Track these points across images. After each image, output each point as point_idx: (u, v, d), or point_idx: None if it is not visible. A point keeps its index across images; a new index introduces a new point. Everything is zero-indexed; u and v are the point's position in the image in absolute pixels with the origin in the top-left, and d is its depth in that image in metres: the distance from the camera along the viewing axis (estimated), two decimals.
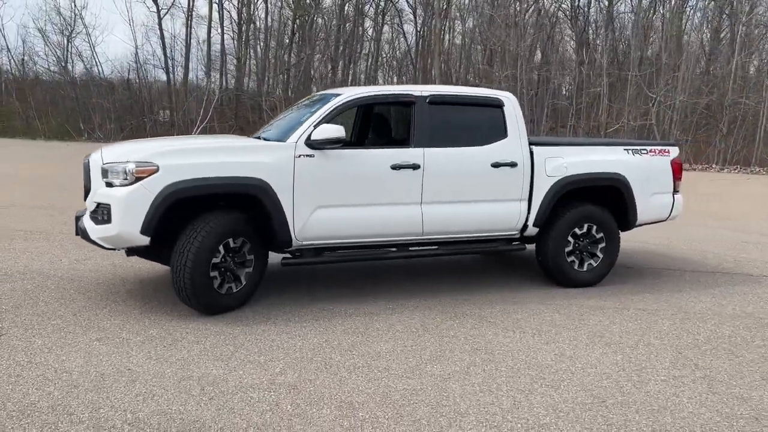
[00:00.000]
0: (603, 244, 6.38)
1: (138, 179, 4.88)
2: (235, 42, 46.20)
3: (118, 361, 4.17)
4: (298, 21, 43.77)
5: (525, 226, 6.15)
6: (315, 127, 5.34)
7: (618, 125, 28.36)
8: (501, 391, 3.87)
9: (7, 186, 13.06)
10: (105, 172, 5.03)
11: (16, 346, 4.37)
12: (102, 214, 5.00)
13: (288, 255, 5.58)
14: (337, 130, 5.24)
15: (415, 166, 5.60)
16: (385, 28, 44.77)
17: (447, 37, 40.22)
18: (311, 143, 5.30)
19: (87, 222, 5.17)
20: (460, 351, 4.53)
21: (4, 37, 40.79)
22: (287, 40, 43.82)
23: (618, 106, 29.35)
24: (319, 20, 43.49)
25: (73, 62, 38.61)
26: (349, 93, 5.68)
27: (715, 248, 8.72)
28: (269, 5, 44.31)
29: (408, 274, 6.76)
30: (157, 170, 4.90)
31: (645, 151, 6.52)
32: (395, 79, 45.27)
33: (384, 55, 45.73)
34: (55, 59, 37.82)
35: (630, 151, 6.46)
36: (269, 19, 44.64)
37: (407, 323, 5.11)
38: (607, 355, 4.52)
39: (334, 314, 5.28)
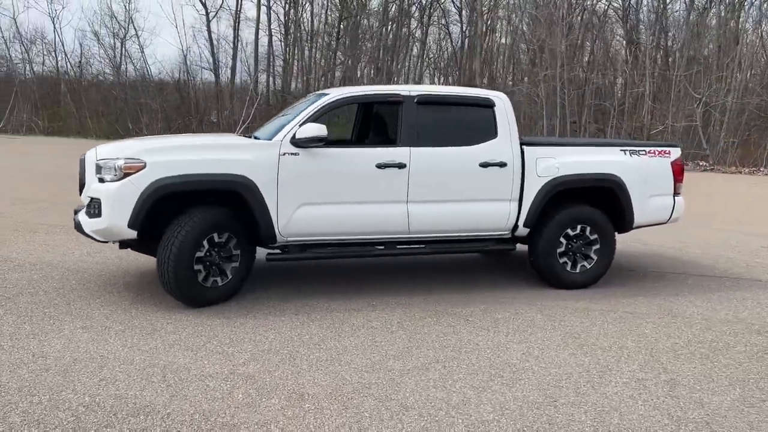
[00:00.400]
0: (597, 246, 6.30)
1: (126, 175, 5.09)
2: (282, 43, 47.00)
3: (93, 347, 4.37)
4: (344, 22, 44.21)
5: (516, 227, 6.13)
6: (300, 126, 5.46)
7: (662, 127, 27.65)
8: (454, 387, 3.91)
9: (45, 183, 13.66)
10: (98, 168, 5.26)
11: (5, 331, 4.63)
12: (94, 208, 5.24)
13: (276, 251, 5.72)
14: (318, 129, 5.35)
15: (401, 165, 5.66)
16: (432, 29, 44.78)
17: (491, 37, 39.98)
18: (296, 142, 5.42)
19: (82, 216, 5.42)
20: (427, 348, 4.58)
21: (62, 41, 42.18)
22: (333, 42, 44.30)
23: (663, 107, 28.60)
24: (365, 21, 43.85)
25: (126, 64, 39.98)
26: (335, 93, 5.79)
27: (730, 252, 8.48)
28: (316, 7, 44.77)
29: (401, 272, 6.82)
30: (144, 167, 5.10)
31: (643, 152, 6.42)
32: (441, 80, 45.22)
33: (431, 56, 45.69)
34: (108, 61, 39.25)
35: (627, 152, 6.37)
36: (315, 21, 45.19)
37: (385, 320, 5.18)
38: (576, 356, 4.49)
39: (315, 309, 5.39)
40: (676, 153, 6.57)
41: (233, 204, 5.39)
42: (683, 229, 9.67)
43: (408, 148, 5.72)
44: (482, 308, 5.58)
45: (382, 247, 5.92)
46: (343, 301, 5.64)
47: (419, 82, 44.27)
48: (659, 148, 6.51)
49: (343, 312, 5.35)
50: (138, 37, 42.63)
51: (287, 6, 45.45)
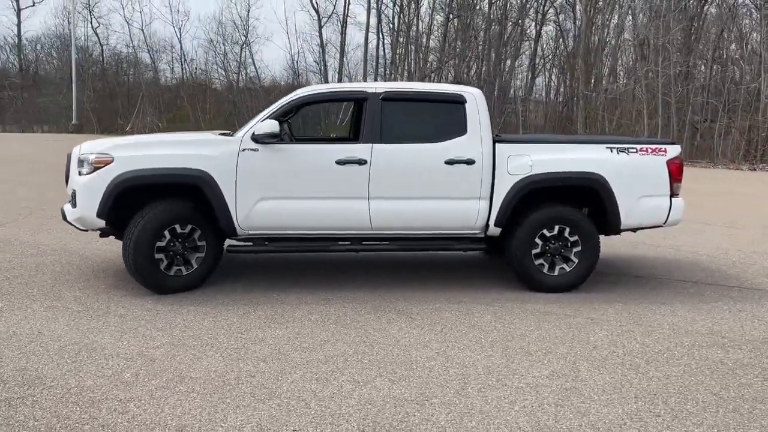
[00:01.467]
0: (578, 248, 5.99)
1: (96, 169, 5.52)
2: (391, 46, 47.77)
3: (40, 325, 4.79)
4: (455, 22, 44.13)
5: (487, 226, 5.97)
6: (261, 122, 5.65)
7: None
8: (337, 381, 3.92)
9: None
10: (80, 162, 5.73)
11: None
12: (73, 199, 5.71)
13: (242, 244, 5.95)
14: (271, 126, 5.51)
15: (362, 162, 5.69)
16: (546, 28, 43.66)
17: (602, 34, 38.31)
18: (255, 138, 5.61)
19: (66, 206, 5.92)
20: (343, 342, 4.60)
21: (182, 48, 45.41)
22: (445, 44, 44.37)
23: None
24: (478, 20, 43.49)
25: (241, 70, 42.40)
26: (300, 91, 5.93)
27: (755, 259, 7.71)
28: (425, 9, 44.93)
29: (383, 269, 6.82)
30: (111, 161, 5.51)
31: (633, 150, 6.01)
32: (560, 78, 43.90)
33: (546, 55, 44.54)
34: (221, 66, 41.79)
35: (615, 150, 6.00)
36: (424, 24, 45.46)
37: (327, 314, 5.25)
38: (491, 359, 4.34)
39: (269, 301, 5.55)
40: (673, 151, 6.10)
41: (197, 197, 5.67)
42: (718, 234, 8.90)
43: (370, 144, 5.74)
44: (436, 307, 5.50)
45: (348, 243, 5.98)
46: (302, 294, 5.76)
47: (529, 80, 43.35)
48: (653, 146, 6.07)
49: (292, 305, 5.47)
50: (249, 45, 44.93)
51: (397, 8, 46.08)
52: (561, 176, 5.88)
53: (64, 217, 5.94)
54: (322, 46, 46.77)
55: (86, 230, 5.88)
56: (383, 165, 5.72)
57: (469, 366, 4.20)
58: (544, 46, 44.61)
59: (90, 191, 5.50)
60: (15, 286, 5.84)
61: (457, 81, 41.14)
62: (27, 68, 57.62)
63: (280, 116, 5.75)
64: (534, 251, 5.97)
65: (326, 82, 44.15)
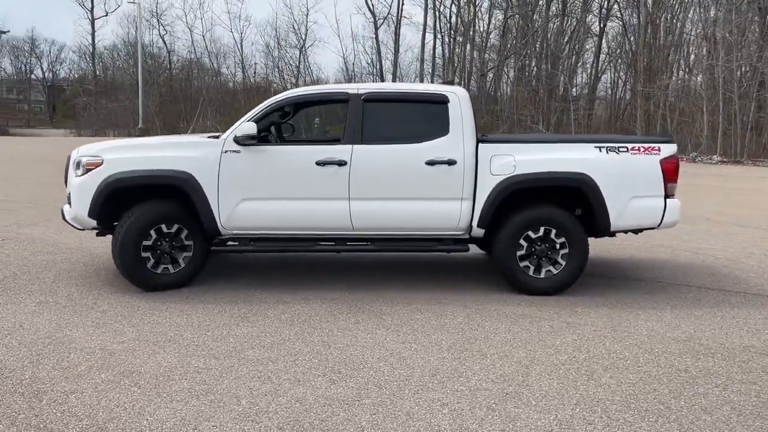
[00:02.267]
0: (565, 251, 5.84)
1: (87, 170, 5.78)
2: (449, 46, 47.60)
3: (23, 319, 5.05)
4: (516, 18, 43.56)
5: (470, 227, 5.90)
6: (241, 125, 5.78)
7: None
8: (278, 379, 3.97)
9: None
10: (76, 164, 6.01)
11: None
12: (69, 199, 5.99)
13: (230, 244, 6.09)
14: (249, 128, 5.62)
15: (341, 163, 5.73)
16: (610, 23, 42.51)
17: (667, 29, 36.99)
18: (237, 140, 5.74)
19: (65, 206, 6.21)
20: (302, 341, 4.65)
21: (242, 53, 46.66)
22: (504, 42, 43.88)
23: None
24: (538, 17, 42.79)
25: (299, 74, 43.18)
26: (283, 94, 6.02)
27: None
28: (484, 7, 44.53)
29: (376, 269, 6.83)
30: (101, 163, 5.75)
31: (624, 149, 5.81)
32: (621, 76, 42.74)
33: (612, 52, 43.35)
34: (279, 70, 42.69)
35: (604, 149, 5.81)
36: (483, 22, 45.07)
37: (299, 313, 5.31)
38: (443, 360, 4.30)
39: (249, 299, 5.67)
40: (668, 149, 5.86)
41: (184, 198, 5.84)
42: (760, 237, 8.45)
43: (350, 145, 5.78)
44: (412, 308, 5.48)
45: (333, 243, 6.03)
46: (283, 294, 5.85)
47: (593, 78, 42.31)
48: (646, 145, 5.85)
49: (270, 303, 5.57)
50: (305, 49, 45.67)
51: (455, 7, 45.85)
52: (545, 177, 5.74)
53: (64, 217, 6.23)
54: (378, 47, 47.11)
55: (83, 229, 6.15)
56: (363, 166, 5.74)
57: (417, 368, 4.18)
58: (610, 42, 43.44)
59: (82, 192, 5.76)
60: (19, 282, 6.17)
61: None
62: (101, 75, 60.52)
63: (261, 118, 5.85)
64: (519, 253, 5.86)
65: (382, 80, 44.35)
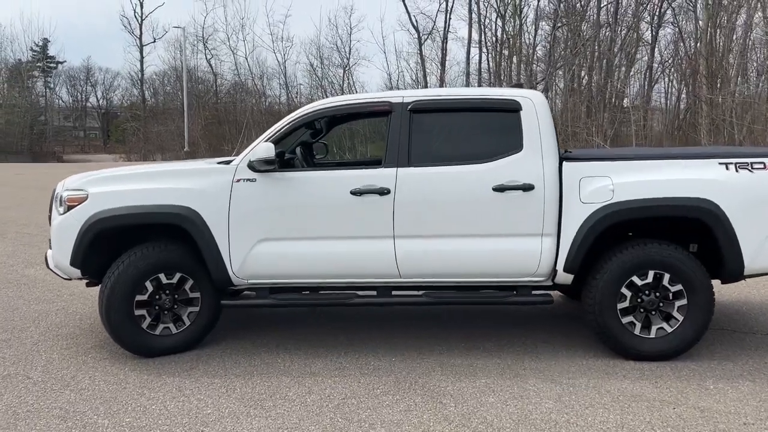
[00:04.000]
0: (682, 301, 4.39)
1: (69, 208, 4.64)
2: (495, 59, 46.28)
3: None
4: (563, 30, 42.09)
5: (554, 272, 4.51)
6: (256, 147, 4.57)
7: None
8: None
9: None
10: (59, 200, 4.88)
11: None
12: (50, 243, 4.87)
13: (240, 297, 4.86)
14: (265, 150, 4.40)
15: (383, 191, 4.44)
16: (662, 31, 40.49)
17: (728, 32, 34.77)
18: (251, 165, 4.52)
19: (50, 251, 5.09)
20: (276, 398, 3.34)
21: (285, 74, 46.32)
22: (552, 53, 42.36)
23: None
24: (587, 27, 41.13)
25: (341, 93, 42.37)
26: (310, 105, 4.78)
27: None
28: (530, 19, 43.29)
29: (424, 320, 5.47)
30: (86, 198, 4.60)
31: (760, 165, 4.35)
32: (675, 84, 40.66)
33: (665, 60, 41.28)
34: (323, 89, 42.02)
35: (732, 166, 4.36)
36: (529, 34, 43.79)
37: (329, 392, 4.01)
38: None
39: (270, 370, 4.40)
40: None
41: (186, 240, 4.64)
42: None
43: (394, 168, 4.49)
44: (481, 384, 4.10)
45: (374, 294, 4.72)
46: (311, 358, 4.57)
47: (646, 87, 40.32)
48: None
49: (294, 376, 4.28)
50: (350, 68, 44.90)
51: (500, 20, 44.70)
52: (654, 205, 4.32)
53: (47, 264, 5.10)
54: (422, 63, 45.99)
55: (69, 279, 5.00)
56: (411, 194, 4.45)
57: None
58: (663, 50, 41.35)
59: (62, 234, 4.63)
60: (15, 320, 5.09)
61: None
62: (151, 100, 61.35)
63: (282, 138, 4.64)
64: (620, 305, 4.43)
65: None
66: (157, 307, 4.65)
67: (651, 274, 4.39)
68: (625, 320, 4.45)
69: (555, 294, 4.97)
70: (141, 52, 60.90)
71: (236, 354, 4.72)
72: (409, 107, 4.56)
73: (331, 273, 4.60)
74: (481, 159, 4.48)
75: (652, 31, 40.62)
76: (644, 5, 39.67)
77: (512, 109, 4.54)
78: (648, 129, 37.01)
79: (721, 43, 33.21)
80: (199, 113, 48.23)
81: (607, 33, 40.91)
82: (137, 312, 4.57)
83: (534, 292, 4.64)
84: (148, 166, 5.13)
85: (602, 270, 4.42)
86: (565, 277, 4.50)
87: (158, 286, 4.62)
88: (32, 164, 44.12)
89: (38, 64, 63.82)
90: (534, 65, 44.53)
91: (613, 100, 37.04)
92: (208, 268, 4.56)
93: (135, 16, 59.18)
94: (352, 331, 5.21)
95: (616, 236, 4.51)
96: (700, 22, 34.64)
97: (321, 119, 5.01)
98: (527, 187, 4.39)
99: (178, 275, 4.65)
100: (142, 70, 61.70)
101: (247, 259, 4.56)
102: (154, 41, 62.01)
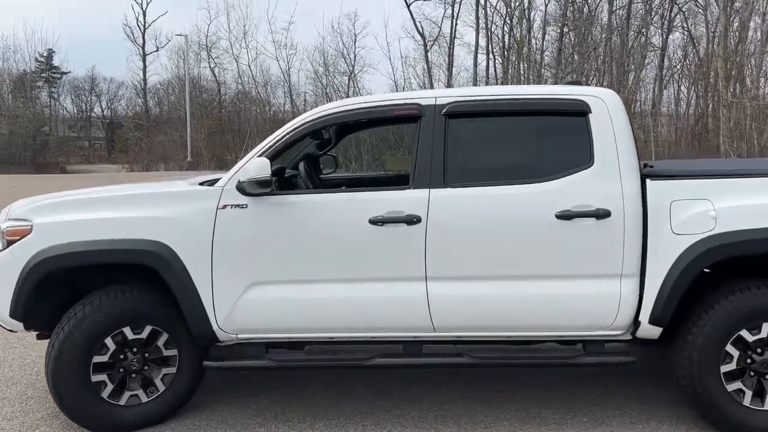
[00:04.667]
0: None
1: (10, 243, 3.62)
2: (502, 65, 45.41)
3: None
4: (571, 35, 41.24)
5: (636, 323, 3.46)
6: (247, 164, 3.54)
7: None
8: None
9: None
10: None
11: None
12: None
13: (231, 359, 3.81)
14: (258, 168, 3.38)
15: (411, 220, 3.41)
16: (672, 36, 39.52)
17: (742, 34, 33.76)
18: (241, 187, 3.49)
19: None
20: None
21: (289, 82, 45.48)
22: (560, 59, 41.49)
23: None
24: (596, 32, 40.25)
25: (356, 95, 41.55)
26: (315, 110, 3.75)
27: None
28: (538, 24, 42.51)
29: (460, 378, 4.41)
30: (29, 231, 3.58)
31: None
32: (684, 90, 39.75)
33: (675, 65, 40.32)
34: (327, 98, 41.18)
35: None
36: (537, 39, 42.94)
37: None
38: None
39: None
40: None
41: (157, 283, 3.61)
42: None
43: (425, 190, 3.46)
44: None
45: (401, 351, 3.66)
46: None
47: (657, 92, 39.35)
48: None
49: None
50: (355, 75, 44.03)
51: (507, 26, 43.95)
52: None
53: None
54: (429, 70, 45.10)
55: (13, 331, 3.97)
56: (448, 224, 3.41)
57: None
58: (671, 55, 40.39)
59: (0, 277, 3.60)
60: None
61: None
62: (154, 109, 60.73)
63: (280, 152, 3.62)
64: (725, 368, 3.38)
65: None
66: (121, 370, 3.61)
67: (766, 327, 3.33)
68: (730, 387, 3.39)
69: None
70: (144, 61, 60.24)
71: (223, 425, 3.67)
72: (444, 111, 3.53)
73: (343, 326, 3.56)
74: (538, 177, 3.45)
75: (661, 35, 39.73)
76: (653, 9, 38.81)
77: (578, 111, 3.50)
78: (669, 134, 36.15)
79: (734, 45, 32.24)
80: (202, 122, 47.43)
81: (616, 38, 40.01)
82: (95, 378, 3.55)
83: (608, 345, 3.59)
84: (113, 189, 4.09)
85: (700, 321, 3.37)
86: (650, 330, 3.45)
87: (123, 342, 3.59)
88: (34, 175, 43.30)
89: (43, 74, 63.20)
90: (543, 69, 43.61)
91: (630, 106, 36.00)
92: (185, 318, 3.53)
93: (138, 25, 58.44)
94: (372, 390, 4.15)
95: (720, 277, 3.46)
96: (719, 25, 33.67)
97: (329, 127, 3.99)
98: (601, 214, 3.34)
99: (148, 329, 3.62)
100: (145, 80, 61.05)
101: (235, 308, 3.53)
102: (157, 50, 61.24)
